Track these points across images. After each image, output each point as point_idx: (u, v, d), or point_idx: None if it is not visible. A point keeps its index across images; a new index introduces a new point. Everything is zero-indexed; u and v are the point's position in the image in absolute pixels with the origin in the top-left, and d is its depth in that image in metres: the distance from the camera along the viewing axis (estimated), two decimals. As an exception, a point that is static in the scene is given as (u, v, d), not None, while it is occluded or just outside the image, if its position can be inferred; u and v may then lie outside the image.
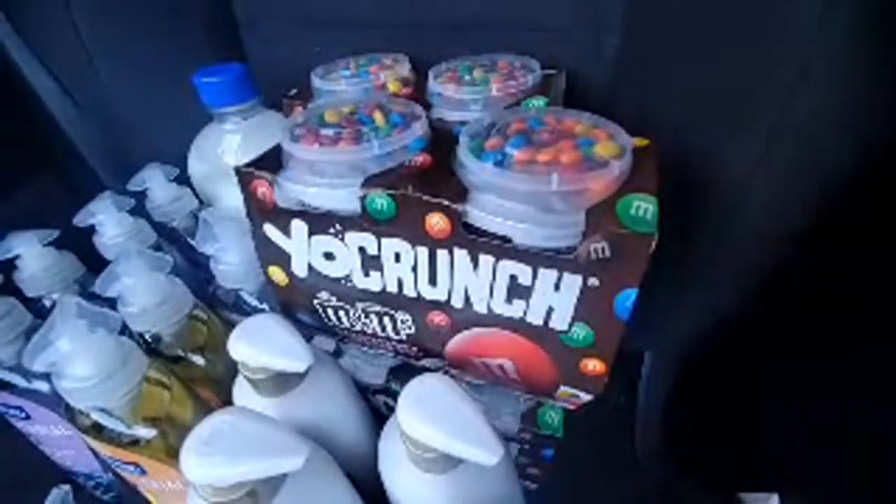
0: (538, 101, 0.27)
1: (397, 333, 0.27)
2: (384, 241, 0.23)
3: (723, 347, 0.35)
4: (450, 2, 0.34)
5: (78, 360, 0.23)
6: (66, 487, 0.32)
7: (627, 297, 0.20)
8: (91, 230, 0.35)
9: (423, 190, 0.21)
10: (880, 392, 0.30)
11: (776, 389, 0.36)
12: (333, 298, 0.27)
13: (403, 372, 0.31)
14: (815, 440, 0.35)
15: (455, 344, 0.26)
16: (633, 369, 0.38)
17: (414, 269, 0.24)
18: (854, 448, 0.32)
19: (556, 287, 0.21)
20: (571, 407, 0.27)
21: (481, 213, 0.21)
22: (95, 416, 0.25)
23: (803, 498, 0.35)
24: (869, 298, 0.31)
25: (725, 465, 0.37)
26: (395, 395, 0.31)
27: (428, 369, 0.30)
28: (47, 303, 0.33)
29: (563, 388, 0.25)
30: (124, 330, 0.27)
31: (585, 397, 0.25)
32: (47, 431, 0.31)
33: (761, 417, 0.37)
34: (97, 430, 0.25)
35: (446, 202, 0.21)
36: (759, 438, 0.37)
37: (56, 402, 0.28)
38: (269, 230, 0.26)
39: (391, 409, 0.32)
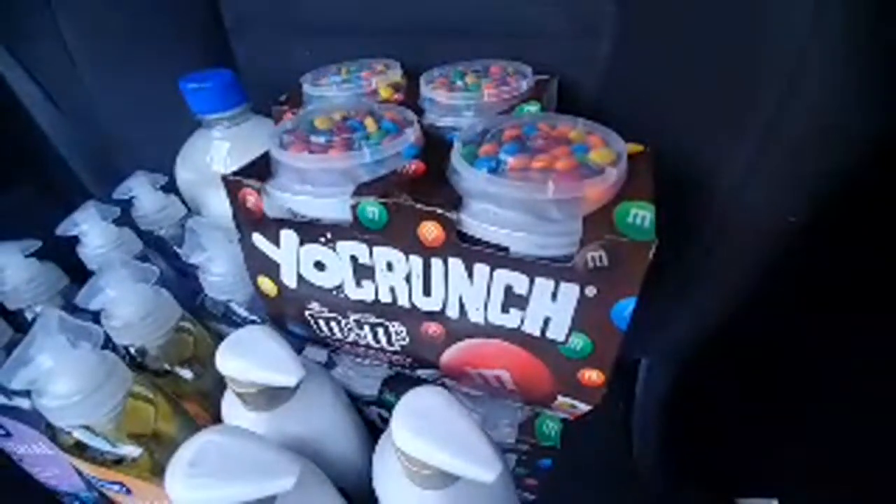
0: (532, 107, 0.27)
1: (391, 344, 0.27)
2: (376, 250, 0.23)
3: (720, 352, 0.35)
4: (442, 8, 0.33)
5: (59, 376, 0.22)
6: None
7: (626, 307, 0.20)
8: (75, 240, 0.34)
9: (416, 198, 0.21)
10: (880, 394, 0.30)
11: (774, 394, 0.36)
12: (325, 309, 0.26)
13: (397, 382, 0.30)
14: (815, 444, 0.35)
15: (450, 354, 0.26)
16: (630, 377, 0.38)
17: (407, 278, 0.23)
18: (854, 452, 0.32)
19: (553, 296, 0.21)
20: (569, 417, 0.27)
21: (476, 222, 0.20)
22: (78, 435, 0.24)
23: (804, 501, 0.34)
24: (868, 299, 0.31)
25: (724, 471, 0.37)
26: (388, 407, 0.30)
27: (423, 380, 0.29)
28: (29, 315, 0.32)
29: (560, 399, 0.25)
30: (108, 343, 0.26)
31: (583, 407, 0.25)
32: (29, 450, 0.30)
33: (760, 422, 0.37)
34: (80, 449, 0.24)
35: (440, 210, 0.20)
36: (757, 443, 0.37)
37: (37, 420, 0.27)
38: (258, 240, 0.25)
39: (385, 421, 0.32)
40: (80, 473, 0.26)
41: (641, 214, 0.19)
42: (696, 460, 0.37)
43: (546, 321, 0.22)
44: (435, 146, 0.24)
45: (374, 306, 0.25)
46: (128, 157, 0.41)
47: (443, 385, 0.28)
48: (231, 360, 0.23)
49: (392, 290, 0.24)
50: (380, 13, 0.35)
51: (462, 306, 0.23)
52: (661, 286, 0.21)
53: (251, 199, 0.24)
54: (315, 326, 0.28)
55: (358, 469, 0.27)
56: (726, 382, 0.37)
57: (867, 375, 0.32)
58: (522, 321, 0.22)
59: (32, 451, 0.31)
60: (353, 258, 0.23)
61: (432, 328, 0.25)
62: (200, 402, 0.29)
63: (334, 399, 0.28)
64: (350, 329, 0.27)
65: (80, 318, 0.24)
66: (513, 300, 0.22)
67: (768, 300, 0.32)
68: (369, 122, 0.25)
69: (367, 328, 0.26)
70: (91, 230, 0.33)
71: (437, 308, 0.24)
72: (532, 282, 0.21)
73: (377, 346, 0.27)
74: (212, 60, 0.39)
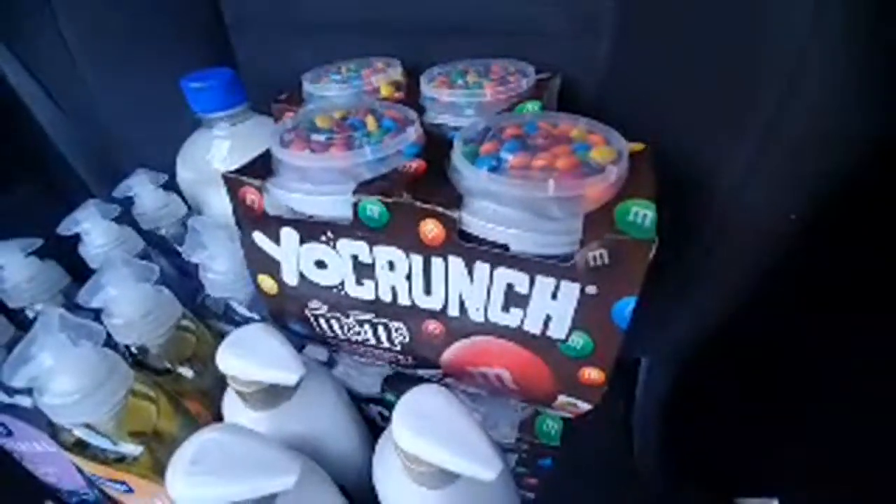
0: (532, 106, 0.27)
1: (391, 343, 0.27)
2: (377, 248, 0.23)
3: (720, 352, 0.35)
4: (443, 6, 0.33)
5: (60, 374, 0.22)
6: (50, 505, 0.31)
7: (626, 305, 0.20)
8: (76, 238, 0.34)
9: (417, 196, 0.21)
10: (880, 394, 0.30)
11: (774, 394, 0.36)
12: (325, 307, 0.26)
13: (398, 381, 0.30)
14: (815, 444, 0.35)
15: (451, 353, 0.26)
16: (630, 377, 0.38)
17: (408, 277, 0.23)
18: (854, 452, 0.32)
19: (554, 295, 0.21)
20: (570, 416, 0.27)
21: (476, 220, 0.20)
22: (79, 433, 0.24)
23: (804, 501, 0.34)
24: (868, 299, 0.31)
25: (724, 471, 0.37)
26: (389, 406, 0.31)
27: (424, 379, 0.29)
28: (30, 314, 0.32)
29: (561, 398, 0.25)
30: (109, 342, 0.26)
31: (584, 406, 0.25)
32: (30, 448, 0.30)
33: (760, 422, 0.37)
34: (81, 447, 0.24)
35: (440, 209, 0.20)
36: (757, 443, 0.37)
37: (38, 418, 0.27)
38: (259, 238, 0.25)
39: (386, 420, 0.32)
40: (81, 472, 0.26)
41: (642, 213, 0.19)
42: (696, 460, 0.38)
43: (547, 320, 0.22)
44: (436, 145, 0.24)
45: (375, 305, 0.25)
46: (128, 156, 0.41)
47: (443, 384, 0.28)
48: (232, 358, 0.23)
49: (393, 288, 0.24)
50: (380, 11, 0.35)
51: (462, 305, 0.23)
52: (661, 286, 0.21)
53: (251, 197, 0.24)
54: (316, 325, 0.28)
55: (358, 467, 0.27)
56: (726, 382, 0.38)
57: (867, 375, 0.32)
58: (523, 320, 0.22)
59: (34, 450, 0.31)
60: (354, 257, 0.23)
61: (433, 327, 0.25)
62: (201, 400, 0.29)
63: (335, 397, 0.28)
64: (351, 327, 0.27)
65: (82, 317, 0.24)
66: (513, 299, 0.22)
67: (768, 300, 0.32)
68: (370, 121, 0.25)
69: (367, 326, 0.26)
70: (92, 229, 0.33)
71: (438, 307, 0.24)
72: (532, 280, 0.21)
73: (378, 344, 0.27)
74: (212, 59, 0.39)
